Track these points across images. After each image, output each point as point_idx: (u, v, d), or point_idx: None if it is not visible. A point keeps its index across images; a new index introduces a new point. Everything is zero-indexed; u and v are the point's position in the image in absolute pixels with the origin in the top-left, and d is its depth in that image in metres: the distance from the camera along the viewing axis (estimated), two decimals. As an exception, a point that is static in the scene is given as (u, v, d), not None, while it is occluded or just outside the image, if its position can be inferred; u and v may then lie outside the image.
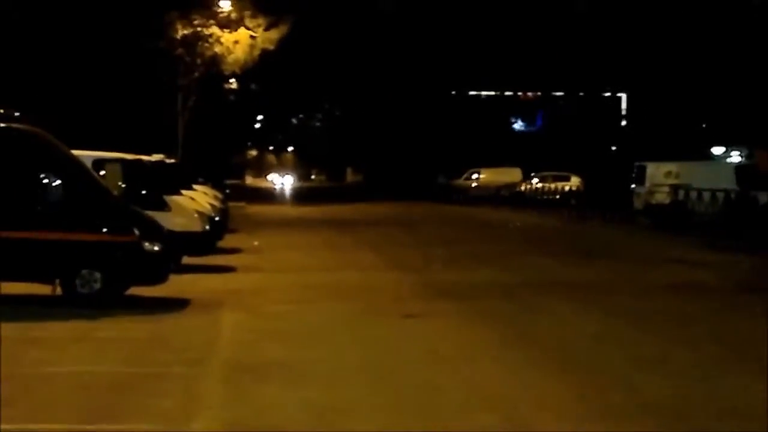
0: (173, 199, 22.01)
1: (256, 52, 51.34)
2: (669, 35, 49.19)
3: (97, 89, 39.92)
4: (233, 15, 49.67)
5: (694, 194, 39.21)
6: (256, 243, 29.89)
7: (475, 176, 75.18)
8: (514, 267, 23.77)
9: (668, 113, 50.73)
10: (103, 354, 12.34)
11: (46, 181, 16.03)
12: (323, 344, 13.41)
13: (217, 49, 49.59)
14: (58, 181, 16.01)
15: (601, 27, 63.14)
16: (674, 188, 41.06)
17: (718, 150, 55.45)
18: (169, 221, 19.18)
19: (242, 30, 50.19)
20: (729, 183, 39.93)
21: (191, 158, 43.34)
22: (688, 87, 44.95)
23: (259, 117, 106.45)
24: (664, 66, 48.20)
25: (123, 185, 20.92)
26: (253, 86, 68.89)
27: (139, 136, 36.30)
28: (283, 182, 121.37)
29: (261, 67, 55.13)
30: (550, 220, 43.59)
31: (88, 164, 18.13)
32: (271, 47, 51.86)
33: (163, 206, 20.85)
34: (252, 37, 50.66)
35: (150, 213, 17.84)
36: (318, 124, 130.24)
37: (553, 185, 63.25)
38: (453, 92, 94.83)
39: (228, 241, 28.23)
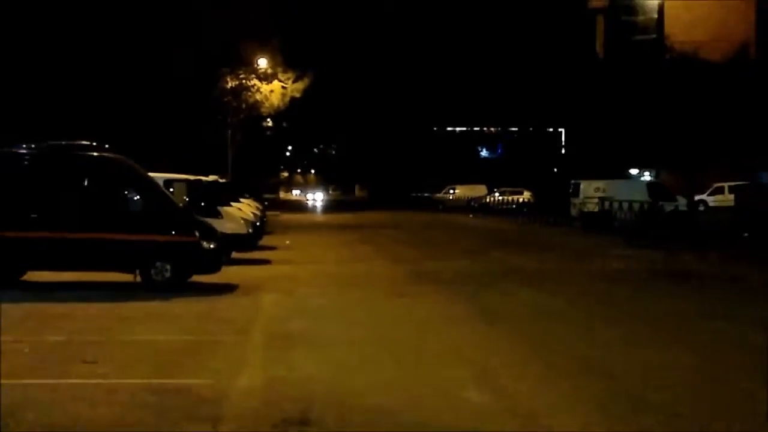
0: (225, 209, 22.01)
1: (287, 99, 51.59)
2: (597, 85, 49.49)
3: (168, 126, 39.90)
4: (269, 70, 49.75)
5: (616, 204, 39.25)
6: (287, 242, 29.85)
7: (451, 191, 75.42)
8: (482, 259, 23.70)
9: (596, 143, 50.95)
10: (171, 326, 12.31)
11: (129, 196, 16.06)
12: (339, 318, 13.35)
13: (257, 96, 49.62)
14: (138, 196, 16.04)
15: (543, 80, 63.66)
16: (601, 200, 41.08)
17: (634, 170, 55.55)
18: (222, 226, 19.15)
19: (276, 82, 50.35)
20: (642, 196, 40.08)
21: (238, 178, 43.30)
22: (611, 124, 45.25)
23: (289, 147, 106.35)
24: (593, 108, 48.59)
25: (187, 199, 20.93)
26: (284, 124, 68.76)
27: (199, 162, 36.20)
28: (315, 198, 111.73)
29: (290, 110, 55.19)
30: (508, 224, 43.52)
31: (161, 183, 18.14)
32: (298, 95, 52.20)
33: (217, 214, 20.85)
34: (283, 87, 50.84)
35: (207, 220, 17.86)
36: (333, 152, 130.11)
37: (510, 197, 63.38)
38: (435, 128, 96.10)
39: (266, 240, 28.22)
